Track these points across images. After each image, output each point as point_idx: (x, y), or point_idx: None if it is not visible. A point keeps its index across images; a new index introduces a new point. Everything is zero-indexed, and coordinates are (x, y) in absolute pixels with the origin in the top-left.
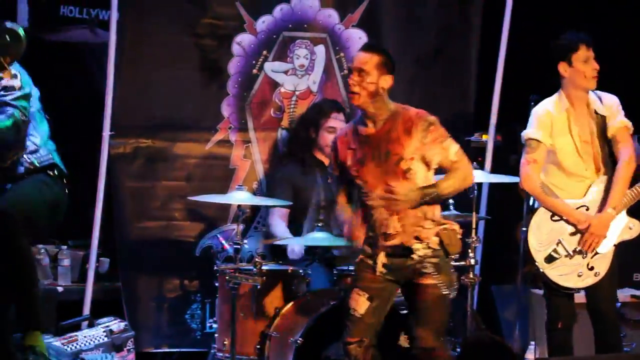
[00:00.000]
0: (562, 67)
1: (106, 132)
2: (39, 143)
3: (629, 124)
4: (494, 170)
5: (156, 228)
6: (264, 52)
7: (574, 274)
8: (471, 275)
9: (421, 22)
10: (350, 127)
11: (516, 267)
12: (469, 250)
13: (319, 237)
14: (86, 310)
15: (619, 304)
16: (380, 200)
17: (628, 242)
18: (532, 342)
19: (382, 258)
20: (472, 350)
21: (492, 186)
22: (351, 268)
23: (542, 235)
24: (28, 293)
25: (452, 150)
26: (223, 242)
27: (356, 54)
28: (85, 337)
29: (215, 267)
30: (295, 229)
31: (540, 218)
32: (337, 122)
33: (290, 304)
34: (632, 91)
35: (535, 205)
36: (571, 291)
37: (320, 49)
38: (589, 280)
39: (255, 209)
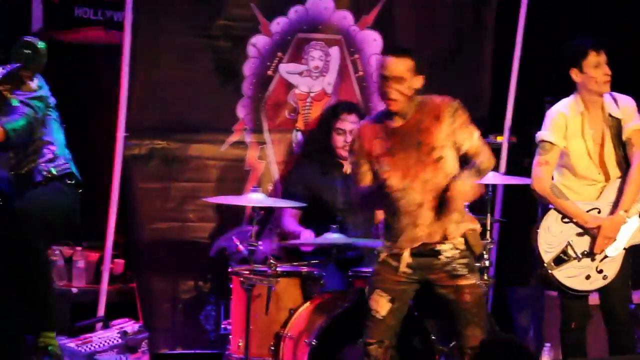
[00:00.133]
0: (574, 73)
1: (121, 134)
2: (57, 152)
3: None
4: (509, 172)
5: (171, 229)
6: (279, 54)
7: (582, 277)
8: (486, 277)
9: (436, 24)
10: (375, 119)
11: (531, 269)
12: (484, 252)
13: (335, 237)
14: (100, 312)
15: (633, 305)
16: (410, 190)
17: None
18: (547, 344)
19: (406, 257)
20: (490, 351)
21: (507, 188)
22: (365, 270)
23: (551, 237)
24: (43, 293)
25: (476, 135)
26: (237, 243)
27: (386, 60)
28: (99, 338)
29: (230, 269)
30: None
31: (551, 219)
32: (346, 124)
33: (305, 305)
34: None
35: (550, 207)
36: (579, 293)
37: (335, 51)
38: (598, 283)
39: (270, 210)
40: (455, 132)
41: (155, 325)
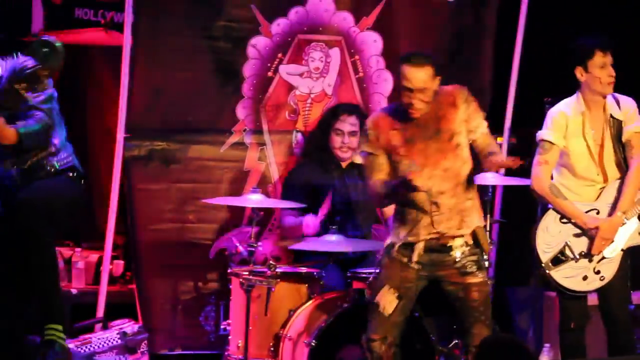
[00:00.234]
0: (579, 72)
1: (121, 135)
2: (59, 145)
3: None
4: (508, 172)
5: (170, 230)
6: (279, 55)
7: (579, 277)
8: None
9: (436, 25)
10: (390, 110)
11: (530, 270)
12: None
13: (333, 240)
14: (100, 313)
15: (632, 306)
16: (431, 178)
17: None
18: (546, 344)
19: (419, 249)
20: (490, 351)
21: (507, 189)
22: (365, 270)
23: (550, 237)
24: (50, 284)
25: (485, 123)
26: (237, 244)
27: (408, 71)
28: (99, 339)
29: (229, 270)
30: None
31: (550, 220)
32: (345, 125)
33: (304, 306)
34: None
35: (549, 207)
36: (577, 294)
37: (335, 52)
38: (595, 284)
39: (270, 211)
40: (470, 117)
41: (155, 325)
